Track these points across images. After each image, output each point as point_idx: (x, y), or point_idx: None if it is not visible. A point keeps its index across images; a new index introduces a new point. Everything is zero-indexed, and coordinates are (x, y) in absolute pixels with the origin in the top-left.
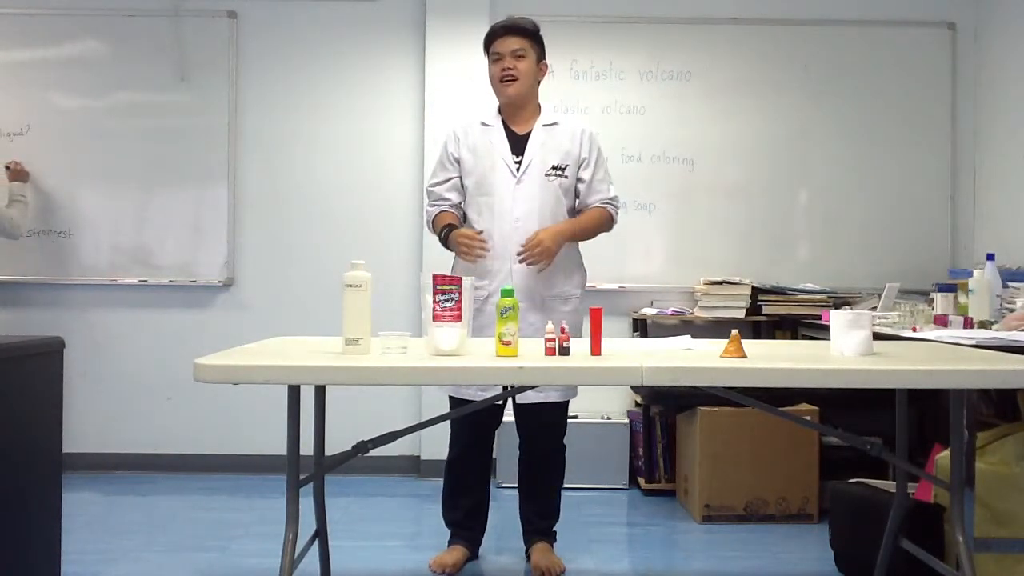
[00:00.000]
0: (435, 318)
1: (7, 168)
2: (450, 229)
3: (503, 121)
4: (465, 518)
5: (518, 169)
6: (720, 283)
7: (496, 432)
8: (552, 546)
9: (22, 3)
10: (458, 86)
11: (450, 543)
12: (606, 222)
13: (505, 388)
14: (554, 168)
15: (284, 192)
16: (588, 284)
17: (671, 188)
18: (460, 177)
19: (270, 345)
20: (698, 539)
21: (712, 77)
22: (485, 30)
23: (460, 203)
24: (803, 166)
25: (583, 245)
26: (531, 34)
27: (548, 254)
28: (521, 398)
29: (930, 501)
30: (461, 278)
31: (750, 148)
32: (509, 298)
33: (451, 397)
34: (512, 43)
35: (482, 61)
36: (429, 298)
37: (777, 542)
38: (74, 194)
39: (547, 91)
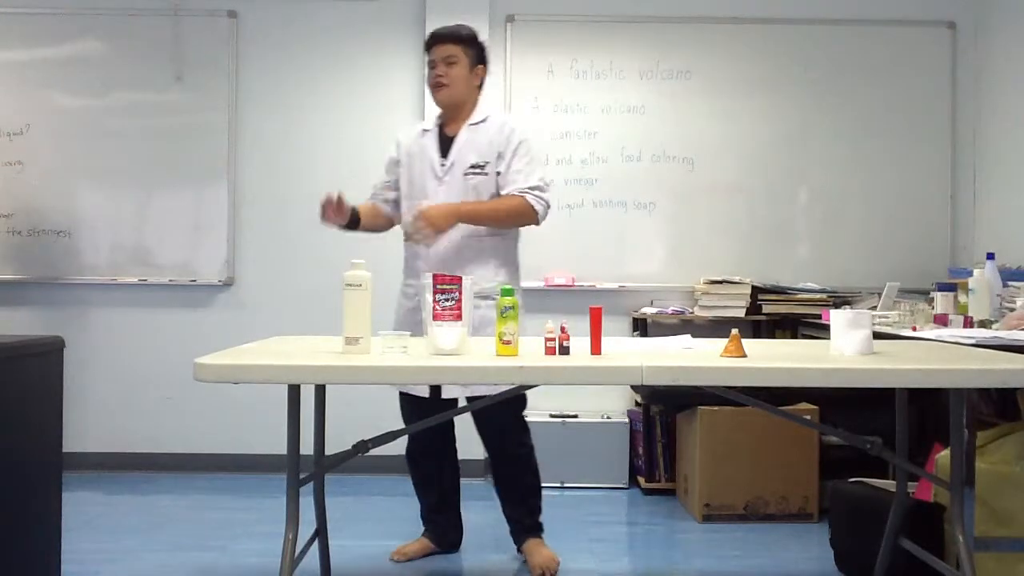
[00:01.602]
0: (435, 317)
1: None
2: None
3: (440, 125)
4: (429, 512)
5: (443, 170)
6: (720, 282)
7: (453, 431)
8: (541, 537)
9: (22, 3)
10: None
11: (422, 534)
12: (520, 210)
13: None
14: (472, 167)
15: (284, 191)
16: (588, 283)
17: (671, 188)
18: (398, 179)
19: (270, 344)
20: (698, 538)
21: (712, 76)
22: (485, 30)
23: (394, 200)
24: (803, 166)
25: (582, 240)
26: (464, 40)
27: (433, 227)
28: (446, 392)
29: (930, 500)
30: (461, 277)
31: (750, 148)
32: (509, 297)
33: (400, 393)
34: (445, 50)
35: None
36: (429, 298)
37: (777, 542)
38: (74, 193)
39: (547, 91)
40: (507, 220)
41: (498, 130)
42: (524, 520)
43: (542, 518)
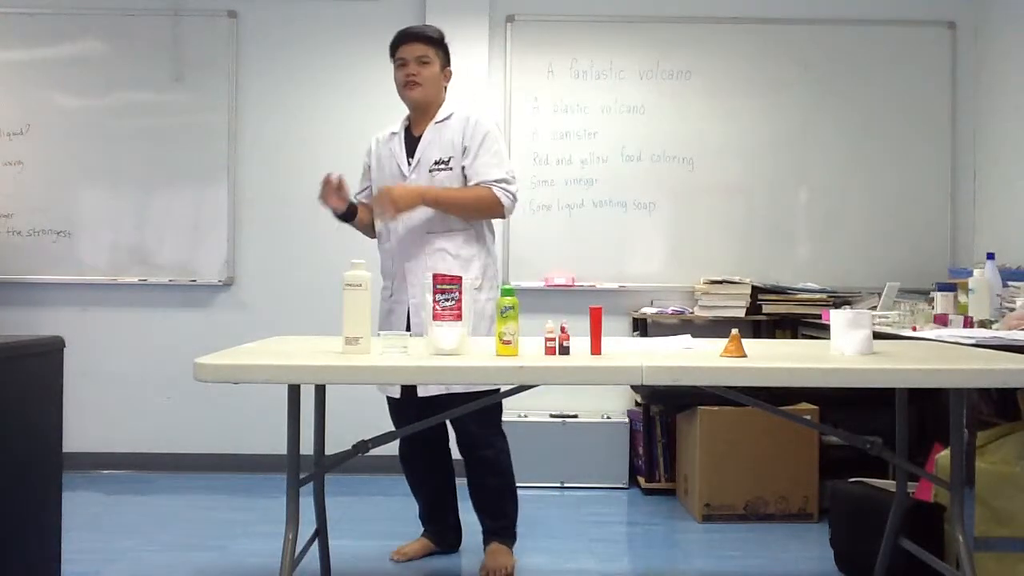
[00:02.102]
0: (435, 317)
1: None
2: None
3: (407, 127)
4: (426, 513)
5: (410, 169)
6: (720, 282)
7: (446, 433)
8: (510, 547)
9: (22, 3)
10: (457, 85)
11: (422, 534)
12: (487, 201)
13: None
14: (437, 163)
15: (284, 192)
16: (588, 283)
17: (671, 188)
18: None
19: (270, 344)
20: (698, 539)
21: (712, 76)
22: (485, 30)
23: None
24: (803, 165)
25: (582, 240)
26: (436, 42)
27: (392, 205)
28: (423, 391)
29: (930, 500)
30: (461, 277)
31: (750, 147)
32: (509, 297)
33: (387, 397)
34: (417, 49)
35: (480, 60)
36: (429, 298)
37: (777, 542)
38: (74, 193)
39: (547, 91)
40: (472, 209)
41: (462, 125)
42: (489, 523)
43: (520, 530)
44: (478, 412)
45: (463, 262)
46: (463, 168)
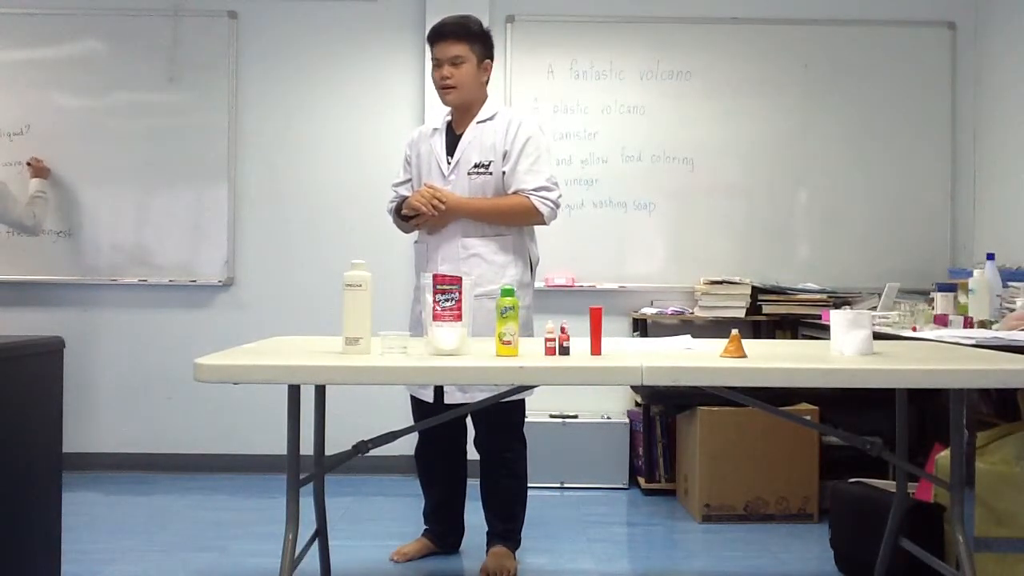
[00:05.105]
0: (435, 318)
1: (28, 165)
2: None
3: (449, 123)
4: (432, 511)
5: (449, 169)
6: (720, 283)
7: (465, 435)
8: (513, 552)
9: (22, 3)
10: None
11: (422, 534)
12: (525, 210)
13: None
14: (476, 166)
15: (284, 192)
16: (588, 283)
17: (671, 188)
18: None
19: (270, 345)
20: (698, 539)
21: (712, 76)
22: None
23: None
24: (803, 166)
25: (582, 240)
26: (471, 36)
27: (442, 216)
28: (448, 398)
29: (930, 501)
30: (461, 278)
31: (750, 148)
32: (509, 298)
33: (411, 395)
34: (450, 49)
35: None
36: (429, 298)
37: (777, 542)
38: (74, 193)
39: (547, 91)
40: (511, 220)
41: (504, 128)
42: (496, 524)
43: (522, 534)
44: (503, 416)
45: (497, 268)
46: (503, 173)
